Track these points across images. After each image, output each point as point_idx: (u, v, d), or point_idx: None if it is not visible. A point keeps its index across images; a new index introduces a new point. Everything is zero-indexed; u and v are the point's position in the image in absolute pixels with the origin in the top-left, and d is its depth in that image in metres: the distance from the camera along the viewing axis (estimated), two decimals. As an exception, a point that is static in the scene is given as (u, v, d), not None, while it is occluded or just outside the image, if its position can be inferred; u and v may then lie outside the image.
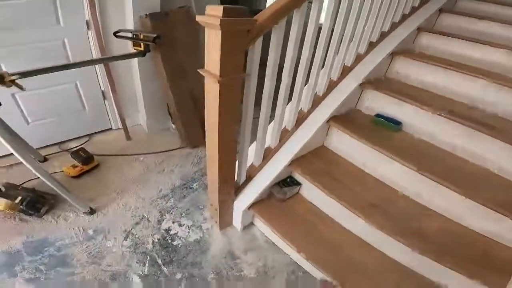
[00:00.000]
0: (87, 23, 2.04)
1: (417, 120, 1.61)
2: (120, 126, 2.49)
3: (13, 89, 1.38)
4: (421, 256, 1.21)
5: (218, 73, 0.95)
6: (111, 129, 2.64)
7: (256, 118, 1.41)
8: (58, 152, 2.28)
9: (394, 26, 1.88)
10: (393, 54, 1.82)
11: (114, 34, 2.00)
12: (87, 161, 2.07)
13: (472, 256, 1.19)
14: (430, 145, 1.59)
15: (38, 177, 1.52)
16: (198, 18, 0.88)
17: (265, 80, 1.29)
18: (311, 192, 1.66)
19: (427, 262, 1.21)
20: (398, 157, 1.41)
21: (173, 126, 2.66)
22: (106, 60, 2.09)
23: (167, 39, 2.00)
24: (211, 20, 0.84)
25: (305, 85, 1.54)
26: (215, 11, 0.84)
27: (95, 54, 2.16)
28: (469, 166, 1.45)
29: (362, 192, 1.50)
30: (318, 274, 1.39)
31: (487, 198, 1.21)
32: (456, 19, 2.02)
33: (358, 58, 1.77)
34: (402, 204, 1.45)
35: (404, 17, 1.92)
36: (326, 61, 1.56)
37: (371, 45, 1.80)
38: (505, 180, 1.37)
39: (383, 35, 1.84)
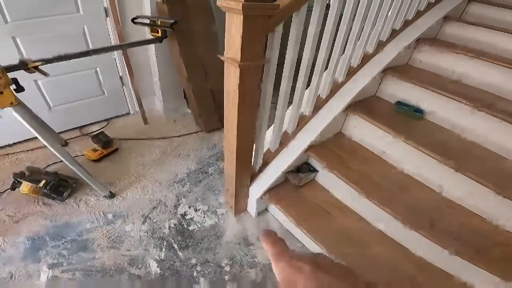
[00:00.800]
0: (105, 10, 2.06)
1: (441, 110, 1.57)
2: (138, 111, 2.53)
3: (36, 75, 1.41)
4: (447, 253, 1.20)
5: (239, 58, 0.94)
6: (129, 113, 2.68)
7: (274, 103, 1.40)
8: (78, 136, 2.34)
9: (418, 14, 1.80)
10: (418, 42, 1.75)
11: (132, 20, 2.01)
12: (107, 145, 2.12)
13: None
14: (457, 135, 1.54)
15: (61, 161, 1.56)
16: (220, 2, 0.87)
17: (285, 64, 1.27)
18: (327, 179, 1.65)
19: (449, 258, 1.19)
20: (421, 146, 1.38)
21: (189, 111, 2.68)
22: (125, 47, 2.11)
23: (183, 25, 1.99)
24: (233, 5, 0.83)
25: (324, 71, 1.51)
26: (237, -5, 0.83)
27: (114, 40, 2.18)
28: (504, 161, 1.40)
29: (381, 182, 1.47)
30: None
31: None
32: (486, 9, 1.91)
33: (380, 45, 1.71)
34: (423, 195, 1.42)
35: (430, 6, 1.84)
36: (346, 48, 1.52)
37: (394, 33, 1.74)
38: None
39: (406, 23, 1.77)
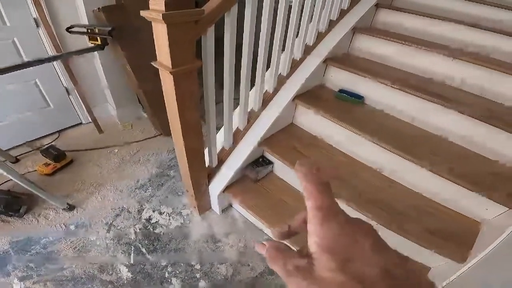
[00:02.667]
0: (35, 20, 1.97)
1: (377, 94, 1.68)
2: (90, 120, 2.46)
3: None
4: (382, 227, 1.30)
5: (170, 65, 0.96)
6: (81, 123, 2.60)
7: (220, 102, 1.43)
8: (29, 152, 2.24)
9: (353, 3, 1.90)
10: (354, 30, 1.85)
11: (67, 29, 1.93)
12: (58, 158, 2.05)
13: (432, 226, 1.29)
14: (391, 116, 1.66)
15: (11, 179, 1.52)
16: (143, 13, 0.88)
17: (224, 65, 1.30)
18: (282, 170, 1.73)
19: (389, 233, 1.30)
20: (358, 129, 1.48)
21: (145, 115, 2.64)
22: (61, 57, 2.01)
23: (126, 29, 1.94)
24: (154, 15, 0.84)
25: (267, 68, 1.56)
26: (157, 5, 0.84)
27: (50, 51, 2.09)
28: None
29: (331, 165, 1.57)
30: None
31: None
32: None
33: (320, 37, 1.79)
34: (368, 176, 1.53)
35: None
36: (286, 42, 1.58)
37: (332, 23, 1.82)
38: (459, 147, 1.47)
39: (342, 13, 1.86)
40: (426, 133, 1.55)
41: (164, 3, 0.81)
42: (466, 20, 1.70)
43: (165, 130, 2.45)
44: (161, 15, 0.81)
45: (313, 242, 0.22)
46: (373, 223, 1.23)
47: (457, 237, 1.25)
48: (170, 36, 0.89)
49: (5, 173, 1.47)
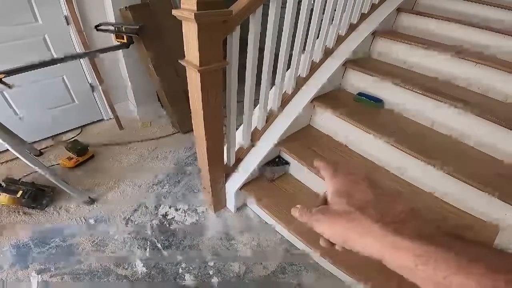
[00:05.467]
0: (66, 18, 2.04)
1: (397, 98, 1.67)
2: (112, 116, 2.53)
3: (0, 86, 1.42)
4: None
5: (198, 63, 0.99)
6: (103, 119, 2.68)
7: (242, 101, 1.46)
8: (52, 145, 2.33)
9: (374, 7, 1.90)
10: (374, 34, 1.85)
11: (96, 27, 2.00)
12: (81, 152, 2.12)
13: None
14: (411, 120, 1.65)
15: (36, 171, 1.57)
16: (175, 12, 0.91)
17: (247, 65, 1.32)
18: (298, 170, 1.73)
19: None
20: (377, 132, 1.48)
21: (164, 113, 2.70)
22: (89, 54, 2.10)
23: (150, 29, 2.00)
24: (186, 14, 0.87)
25: (287, 69, 1.58)
26: (189, 5, 0.87)
27: (78, 48, 2.17)
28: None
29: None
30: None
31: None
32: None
33: (340, 40, 1.80)
34: (387, 181, 1.51)
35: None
36: (306, 43, 1.59)
37: (352, 26, 1.83)
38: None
39: (363, 17, 1.86)
40: (447, 137, 1.54)
41: (196, 2, 0.84)
42: (495, 26, 1.68)
43: (183, 128, 2.50)
44: (193, 14, 0.84)
45: (328, 191, 0.33)
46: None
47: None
48: (200, 35, 0.92)
49: (32, 165, 1.53)
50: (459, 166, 1.30)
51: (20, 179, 1.86)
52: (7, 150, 1.49)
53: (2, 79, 1.39)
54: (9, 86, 1.42)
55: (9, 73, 1.42)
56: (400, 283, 0.34)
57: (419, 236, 0.25)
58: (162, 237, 1.66)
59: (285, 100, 1.70)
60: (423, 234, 0.25)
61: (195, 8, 0.85)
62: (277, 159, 1.77)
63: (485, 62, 1.51)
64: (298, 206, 0.37)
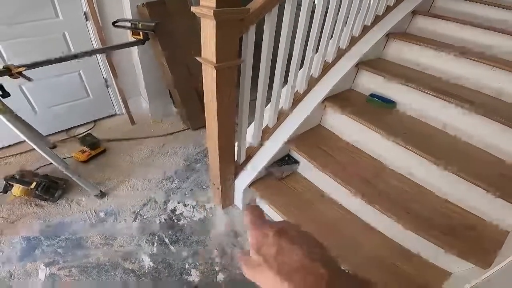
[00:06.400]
0: (85, 14, 2.09)
1: (410, 99, 1.66)
2: (124, 112, 2.58)
3: (20, 80, 1.45)
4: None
5: (214, 60, 1.01)
6: (115, 114, 2.73)
7: (253, 100, 1.47)
8: (66, 139, 2.38)
9: (388, 9, 1.90)
10: (388, 36, 1.85)
11: (113, 24, 2.04)
12: (94, 146, 2.17)
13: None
14: (423, 122, 1.64)
15: (50, 163, 1.61)
16: (194, 9, 0.93)
17: (261, 64, 1.33)
18: (308, 169, 1.74)
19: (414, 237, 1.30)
20: (387, 133, 1.48)
21: (175, 110, 2.73)
22: (107, 50, 2.14)
23: (165, 26, 2.04)
24: (205, 11, 0.89)
25: (300, 68, 1.59)
26: (208, 2, 0.89)
27: (96, 44, 2.21)
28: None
29: (356, 169, 1.56)
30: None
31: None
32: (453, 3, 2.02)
33: (353, 41, 1.80)
34: (394, 181, 1.52)
35: (398, 1, 1.93)
36: (320, 43, 1.60)
37: (365, 28, 1.83)
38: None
39: (377, 19, 1.86)
40: (458, 140, 1.53)
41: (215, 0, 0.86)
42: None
43: (193, 125, 2.54)
44: (212, 11, 0.86)
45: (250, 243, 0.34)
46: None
47: (482, 243, 1.24)
48: (218, 32, 0.94)
49: (48, 157, 1.56)
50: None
51: (34, 171, 1.91)
52: (21, 142, 1.53)
53: (23, 72, 1.43)
54: (29, 79, 1.45)
55: (30, 66, 1.46)
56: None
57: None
58: (170, 232, 1.68)
59: (297, 99, 1.71)
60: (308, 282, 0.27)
61: (214, 5, 0.87)
62: (286, 158, 1.78)
63: (503, 67, 1.50)
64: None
